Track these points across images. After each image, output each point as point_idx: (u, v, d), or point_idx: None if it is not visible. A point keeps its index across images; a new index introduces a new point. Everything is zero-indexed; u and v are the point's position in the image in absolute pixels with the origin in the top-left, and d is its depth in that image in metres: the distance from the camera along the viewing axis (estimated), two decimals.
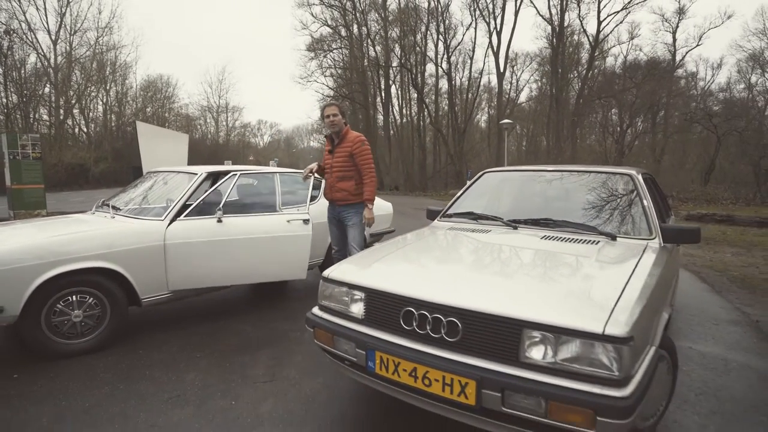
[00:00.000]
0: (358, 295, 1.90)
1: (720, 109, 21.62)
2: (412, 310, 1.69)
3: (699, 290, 4.58)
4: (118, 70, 31.54)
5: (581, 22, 26.30)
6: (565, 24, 26.46)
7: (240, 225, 3.37)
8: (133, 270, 2.91)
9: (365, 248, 3.25)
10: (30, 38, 25.84)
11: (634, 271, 1.81)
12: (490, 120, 33.53)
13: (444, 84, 30.24)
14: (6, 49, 23.84)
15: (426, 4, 28.80)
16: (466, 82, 30.52)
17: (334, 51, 31.02)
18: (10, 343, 3.03)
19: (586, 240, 2.25)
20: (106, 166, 26.50)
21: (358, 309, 1.90)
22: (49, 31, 27.20)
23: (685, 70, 27.73)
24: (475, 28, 30.68)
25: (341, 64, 31.76)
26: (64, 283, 2.68)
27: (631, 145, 23.59)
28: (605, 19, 25.68)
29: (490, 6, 27.52)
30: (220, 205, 3.31)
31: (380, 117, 32.12)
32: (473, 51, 30.62)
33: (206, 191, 3.45)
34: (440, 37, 29.10)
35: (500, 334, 1.52)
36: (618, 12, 25.38)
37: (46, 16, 38.26)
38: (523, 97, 33.82)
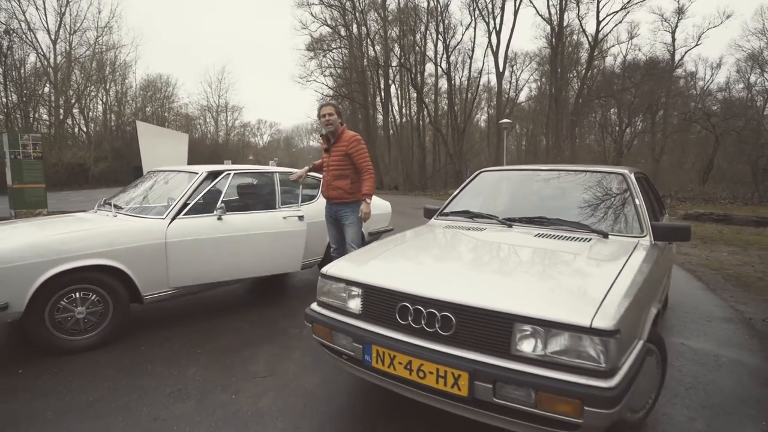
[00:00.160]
0: (356, 291, 1.95)
1: (719, 108, 21.69)
2: (408, 305, 1.74)
3: (694, 288, 4.63)
4: (117, 70, 31.61)
5: (580, 21, 26.41)
6: (565, 24, 26.55)
7: (239, 222, 3.46)
8: (135, 267, 2.96)
9: (363, 246, 3.30)
10: (30, 38, 25.92)
11: (623, 267, 1.86)
12: (489, 119, 33.60)
13: (443, 83, 30.34)
14: (6, 49, 23.89)
15: (425, 4, 28.91)
16: (466, 82, 30.60)
17: (334, 51, 31.11)
18: (14, 339, 3.09)
19: (578, 238, 2.30)
20: (105, 166, 26.55)
21: (355, 304, 1.95)
22: (48, 31, 27.28)
23: (685, 70, 27.86)
24: (475, 28, 30.77)
25: (341, 63, 31.83)
26: (68, 281, 2.73)
27: (630, 145, 23.66)
28: (604, 18, 25.80)
29: (490, 6, 27.62)
30: (219, 203, 3.38)
31: (380, 116, 32.20)
32: (473, 51, 30.75)
33: (205, 190, 3.50)
34: (439, 36, 29.20)
35: (492, 328, 1.57)
36: (617, 12, 25.51)
37: (45, 15, 38.24)
38: (522, 96, 33.95)
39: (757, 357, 2.82)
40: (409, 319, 1.74)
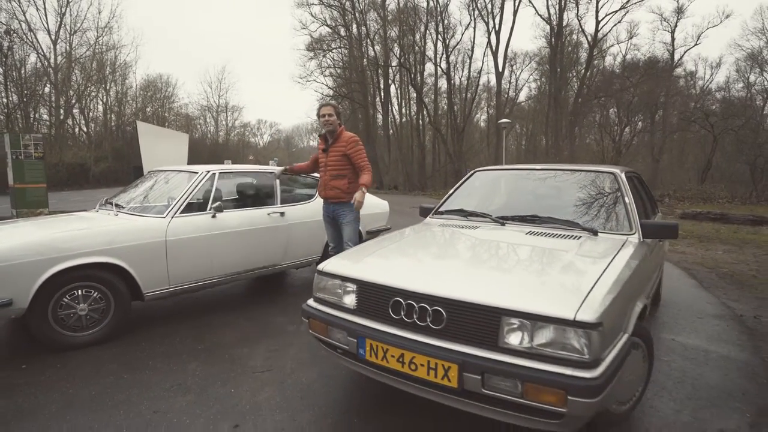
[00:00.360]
0: (351, 287, 2.01)
1: (718, 108, 21.75)
2: (400, 300, 1.80)
3: (688, 286, 4.68)
4: (117, 70, 31.62)
5: (579, 21, 26.45)
6: (564, 23, 26.58)
7: (230, 219, 3.60)
8: (136, 265, 3.02)
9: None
10: (30, 38, 25.95)
11: (610, 263, 1.92)
12: (489, 119, 33.62)
13: (443, 83, 30.37)
14: (6, 49, 23.91)
15: (425, 4, 28.94)
16: (465, 82, 30.63)
17: (334, 51, 31.14)
18: (18, 335, 3.15)
19: (569, 235, 2.36)
20: (106, 166, 26.60)
21: (350, 300, 2.01)
22: (48, 31, 27.33)
23: (684, 69, 27.89)
24: (474, 28, 30.83)
25: (340, 63, 31.87)
26: (70, 278, 2.79)
27: (629, 144, 23.70)
28: (603, 18, 25.84)
29: (489, 6, 27.65)
30: (212, 202, 3.50)
31: (380, 116, 32.24)
32: (472, 50, 30.80)
33: (203, 190, 3.57)
34: (439, 36, 29.22)
35: (481, 322, 1.63)
36: (616, 12, 25.54)
37: (45, 16, 38.39)
38: (522, 96, 33.95)
39: (745, 352, 2.88)
40: (402, 313, 1.79)
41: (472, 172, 3.39)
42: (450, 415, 2.06)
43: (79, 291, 2.84)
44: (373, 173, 3.59)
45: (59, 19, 27.34)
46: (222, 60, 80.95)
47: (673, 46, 26.72)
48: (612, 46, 28.91)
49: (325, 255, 4.24)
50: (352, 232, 3.51)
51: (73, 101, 28.88)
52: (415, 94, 30.22)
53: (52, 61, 27.36)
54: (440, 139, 30.60)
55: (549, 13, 26.73)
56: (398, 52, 29.51)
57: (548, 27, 27.17)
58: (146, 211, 3.39)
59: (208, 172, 3.66)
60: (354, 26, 29.80)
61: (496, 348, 1.60)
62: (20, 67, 25.39)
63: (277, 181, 4.09)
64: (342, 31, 30.23)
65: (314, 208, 4.14)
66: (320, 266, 2.19)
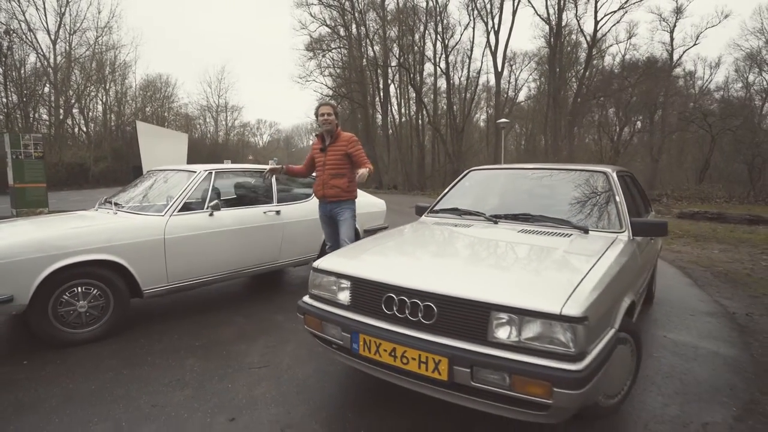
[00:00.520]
0: (345, 283, 2.06)
1: (716, 108, 21.80)
2: (393, 296, 1.85)
3: (682, 284, 4.73)
4: (117, 70, 31.65)
5: (578, 21, 26.52)
6: (563, 23, 26.63)
7: (226, 217, 3.65)
8: (135, 262, 3.07)
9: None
10: (29, 38, 25.96)
11: (598, 260, 1.97)
12: (488, 119, 33.65)
13: (442, 83, 30.42)
14: (6, 49, 23.94)
15: (424, 4, 28.99)
16: (465, 82, 30.68)
17: (333, 51, 31.21)
18: (19, 331, 3.19)
19: (560, 233, 2.40)
20: (105, 166, 26.63)
21: (344, 296, 2.05)
22: (48, 31, 27.34)
23: (684, 69, 27.94)
24: (473, 28, 30.97)
25: (340, 63, 31.94)
26: (70, 275, 2.83)
27: (627, 144, 23.75)
28: (602, 18, 25.89)
29: (488, 6, 27.70)
30: (209, 201, 3.55)
31: (379, 116, 32.28)
32: (471, 50, 30.96)
33: (201, 189, 3.62)
34: (438, 36, 29.27)
35: (471, 316, 1.68)
36: (615, 12, 25.59)
37: (45, 15, 38.34)
38: (521, 96, 33.99)
39: (735, 348, 2.92)
40: (394, 309, 1.84)
41: (466, 171, 3.44)
42: (443, 409, 2.10)
43: (79, 288, 2.88)
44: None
45: (59, 19, 27.40)
46: (222, 60, 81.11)
47: (672, 46, 26.79)
48: (611, 46, 28.97)
49: (323, 254, 4.29)
50: (349, 229, 3.55)
51: (73, 101, 28.91)
52: (414, 94, 30.27)
53: (51, 60, 27.40)
54: (439, 139, 30.66)
55: (548, 13, 26.81)
56: (397, 52, 29.58)
57: (547, 27, 27.25)
58: (145, 210, 3.44)
59: (206, 171, 3.71)
60: (353, 26, 29.87)
61: (485, 342, 1.64)
62: (20, 67, 25.42)
63: (274, 180, 4.13)
64: (341, 31, 30.29)
65: (311, 206, 4.18)
66: (315, 263, 2.24)
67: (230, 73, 78.73)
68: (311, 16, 30.41)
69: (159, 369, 2.58)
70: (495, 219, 2.68)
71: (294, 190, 4.42)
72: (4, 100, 24.63)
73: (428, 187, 28.05)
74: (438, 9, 28.61)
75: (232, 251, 3.65)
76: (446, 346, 1.68)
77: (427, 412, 2.10)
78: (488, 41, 28.26)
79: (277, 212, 4.02)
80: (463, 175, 3.40)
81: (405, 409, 2.13)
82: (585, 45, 27.05)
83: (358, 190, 3.89)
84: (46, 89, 27.29)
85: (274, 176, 4.08)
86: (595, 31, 25.95)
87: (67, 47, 27.96)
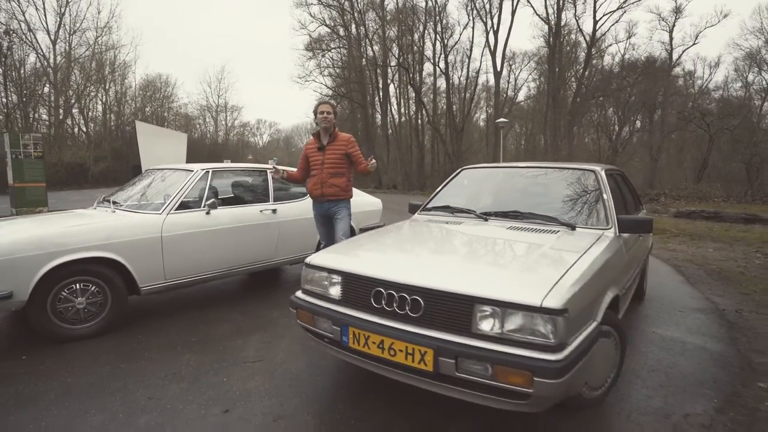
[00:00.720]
0: (336, 279, 2.11)
1: (715, 107, 21.84)
2: (382, 290, 1.90)
3: (675, 282, 4.78)
4: (117, 70, 31.70)
5: (577, 21, 26.53)
6: (562, 23, 26.66)
7: (223, 216, 3.70)
8: (132, 260, 3.12)
9: None
10: (29, 38, 26.03)
11: (582, 255, 2.02)
12: (488, 119, 33.68)
13: (442, 83, 30.45)
14: (6, 49, 24.00)
15: (423, 4, 28.99)
16: (464, 81, 30.72)
17: (333, 50, 31.24)
18: (18, 327, 3.24)
19: (547, 230, 2.46)
20: (105, 166, 26.67)
21: (335, 291, 2.10)
22: (48, 31, 27.41)
23: (683, 69, 27.97)
24: (473, 28, 30.98)
25: (339, 63, 31.97)
26: (68, 272, 2.88)
27: (625, 144, 23.79)
28: (601, 18, 25.91)
29: (487, 5, 27.72)
30: (206, 200, 3.60)
31: (378, 116, 32.31)
32: (471, 50, 31.02)
33: (198, 188, 3.67)
34: (438, 36, 29.29)
35: (456, 309, 1.73)
36: (614, 11, 25.61)
37: (45, 16, 38.49)
38: (521, 95, 34.00)
39: (721, 344, 2.97)
40: (383, 302, 1.89)
41: (459, 170, 3.49)
42: (432, 400, 2.15)
43: (78, 285, 2.94)
44: (372, 172, 3.67)
45: (59, 19, 27.46)
46: (221, 60, 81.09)
47: (671, 45, 26.82)
48: (610, 45, 28.92)
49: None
50: (345, 226, 3.58)
51: (73, 101, 28.97)
52: (413, 94, 30.30)
53: (51, 60, 27.46)
54: (439, 138, 30.68)
55: (547, 13, 26.82)
56: (397, 52, 29.61)
57: (546, 27, 27.26)
58: (143, 208, 3.50)
59: (203, 170, 3.76)
60: (353, 26, 29.91)
61: (469, 334, 1.70)
62: (19, 67, 25.49)
63: (270, 178, 4.19)
64: (341, 31, 30.34)
65: (307, 205, 4.22)
66: (308, 259, 2.29)
67: (230, 73, 78.83)
68: (311, 16, 30.52)
69: (156, 363, 2.64)
70: (485, 216, 2.74)
71: (290, 189, 4.47)
72: (4, 100, 24.72)
73: (428, 187, 28.07)
74: (437, 9, 28.65)
75: (228, 249, 3.70)
76: (432, 338, 1.73)
77: (416, 402, 2.15)
78: (487, 41, 28.31)
79: (274, 211, 4.07)
80: (455, 173, 3.45)
81: (394, 401, 2.19)
82: (584, 45, 27.09)
83: (355, 189, 3.95)
84: (46, 89, 27.38)
85: (270, 175, 4.15)
86: (594, 30, 25.99)
87: (67, 47, 28.04)
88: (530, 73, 34.50)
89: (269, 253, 4.05)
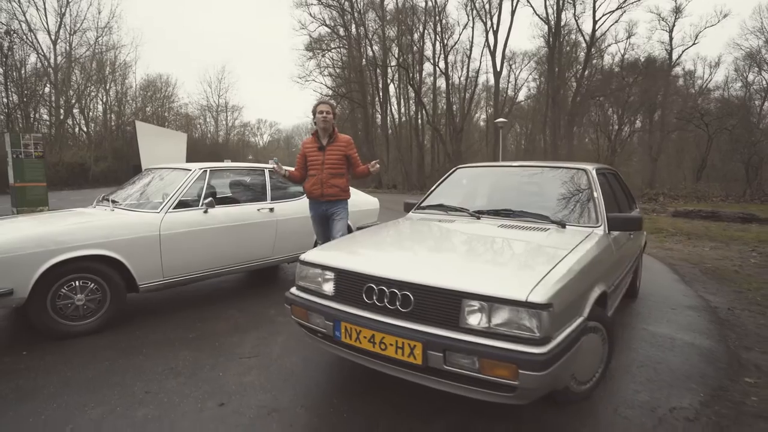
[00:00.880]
0: (329, 275, 2.15)
1: (714, 107, 21.86)
2: (373, 285, 1.95)
3: (669, 281, 4.82)
4: (117, 70, 31.73)
5: (577, 21, 26.56)
6: (562, 23, 26.69)
7: (220, 214, 3.75)
8: (130, 258, 3.17)
9: None
10: (30, 38, 26.06)
11: (569, 252, 2.06)
12: (488, 119, 33.70)
13: (442, 83, 30.48)
14: (6, 50, 24.06)
15: (423, 4, 29.04)
16: (464, 81, 30.75)
17: (333, 50, 31.29)
18: (19, 324, 3.29)
19: (538, 228, 2.50)
20: (106, 166, 26.72)
21: (329, 287, 2.15)
22: (48, 32, 27.43)
23: (683, 69, 27.98)
24: (472, 28, 30.99)
25: (339, 63, 32.01)
26: (68, 270, 2.93)
27: (624, 144, 23.82)
28: (601, 18, 25.93)
29: (487, 5, 27.75)
30: (203, 198, 3.65)
31: (378, 116, 32.35)
32: (470, 50, 31.03)
33: (193, 187, 3.71)
34: (437, 36, 29.33)
35: (444, 304, 1.77)
36: (613, 11, 25.63)
37: (45, 16, 38.53)
38: (521, 95, 34.03)
39: (711, 340, 3.02)
40: (374, 298, 1.93)
41: (453, 169, 3.54)
42: (424, 395, 2.19)
43: (77, 282, 2.98)
44: (373, 174, 3.70)
45: (59, 20, 27.50)
46: (222, 60, 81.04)
47: (671, 45, 26.83)
48: (610, 45, 28.87)
49: None
50: (343, 227, 3.59)
51: (73, 101, 29.02)
52: (413, 94, 30.33)
53: (52, 61, 27.50)
54: (439, 138, 30.72)
55: (547, 13, 26.86)
56: (397, 51, 29.65)
57: (546, 27, 27.30)
58: (141, 207, 3.55)
59: (201, 169, 3.81)
60: (353, 26, 29.94)
61: (457, 328, 1.74)
62: (20, 67, 25.53)
63: (268, 177, 4.24)
64: (341, 31, 30.38)
65: (304, 204, 4.25)
66: (302, 256, 2.34)
67: (230, 73, 78.74)
68: (311, 16, 30.63)
69: (153, 359, 2.68)
70: (478, 215, 2.78)
71: (288, 188, 4.51)
72: (5, 100, 24.76)
73: (428, 187, 28.06)
74: (437, 9, 28.69)
75: (226, 247, 3.75)
76: (421, 332, 1.77)
77: (408, 396, 2.20)
78: (487, 41, 28.35)
79: (271, 209, 4.12)
80: (450, 172, 3.50)
81: (387, 394, 2.23)
82: (584, 44, 27.12)
83: (351, 188, 3.98)
84: (47, 89, 27.43)
85: (267, 174, 4.20)
86: (594, 30, 26.02)
87: (68, 47, 28.08)
88: (530, 73, 34.60)
89: (266, 251, 4.10)
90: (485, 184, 3.33)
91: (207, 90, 63.15)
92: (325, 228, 3.68)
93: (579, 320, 1.87)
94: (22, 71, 25.80)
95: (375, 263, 2.09)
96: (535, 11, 27.43)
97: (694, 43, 28.15)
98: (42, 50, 27.01)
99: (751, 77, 25.06)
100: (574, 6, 26.13)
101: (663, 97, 24.52)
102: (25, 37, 25.61)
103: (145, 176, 4.19)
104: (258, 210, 4.04)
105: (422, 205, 3.22)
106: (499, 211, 2.77)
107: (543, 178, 3.07)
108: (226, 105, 43.80)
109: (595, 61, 27.34)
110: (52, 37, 27.43)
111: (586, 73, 26.77)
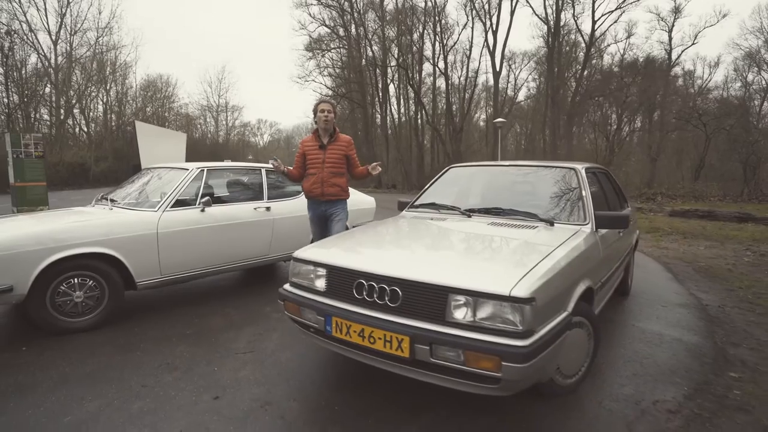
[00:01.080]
0: (321, 271, 2.21)
1: (713, 107, 21.89)
2: (363, 281, 2.00)
3: (662, 279, 4.86)
4: (118, 70, 31.80)
5: (576, 21, 26.55)
6: (561, 23, 26.71)
7: (217, 213, 3.80)
8: (129, 255, 3.22)
9: None
10: (30, 39, 26.15)
11: (555, 249, 2.11)
12: (488, 119, 33.74)
13: (441, 83, 30.52)
14: (7, 50, 24.14)
15: (422, 4, 29.07)
16: (464, 81, 30.79)
17: (332, 51, 31.32)
18: (19, 320, 3.35)
19: (526, 225, 2.55)
20: (106, 166, 26.78)
21: (321, 283, 2.20)
22: (49, 32, 27.51)
23: (683, 69, 28.00)
24: (472, 28, 31.10)
25: (339, 63, 32.06)
26: (67, 267, 2.98)
27: (622, 144, 23.85)
28: (600, 18, 25.95)
29: (486, 6, 27.79)
30: (200, 197, 3.70)
31: (378, 116, 32.39)
32: (470, 50, 30.98)
33: (190, 186, 3.77)
34: (437, 36, 29.36)
35: (431, 299, 1.83)
36: (612, 11, 25.64)
37: (46, 16, 38.63)
38: (521, 95, 34.07)
39: (698, 336, 3.07)
40: (364, 293, 1.99)
41: (446, 168, 3.59)
42: (416, 388, 2.25)
43: (76, 279, 3.04)
44: (373, 175, 3.71)
45: (59, 20, 27.57)
46: (222, 60, 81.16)
47: (670, 45, 26.82)
48: (609, 45, 28.91)
49: None
50: (342, 227, 3.57)
51: (74, 101, 29.09)
52: (413, 94, 30.37)
53: (52, 61, 27.57)
54: (439, 138, 30.77)
55: (546, 13, 26.86)
56: (396, 52, 29.69)
57: (545, 27, 27.32)
58: (139, 206, 3.60)
59: (198, 169, 3.87)
60: (352, 26, 29.98)
61: (443, 322, 1.79)
62: (21, 68, 25.61)
63: (264, 177, 4.29)
64: (340, 32, 30.43)
65: (300, 203, 4.32)
66: (295, 253, 2.39)
67: (230, 73, 78.82)
68: (310, 16, 30.71)
69: (150, 354, 2.74)
70: (469, 213, 2.83)
71: (285, 187, 4.57)
72: (6, 100, 24.84)
73: None
74: (436, 9, 28.73)
75: (223, 246, 3.80)
76: (409, 326, 1.83)
77: (398, 391, 2.25)
78: (486, 41, 28.37)
79: (267, 208, 4.17)
80: (443, 172, 3.55)
81: (378, 388, 2.28)
82: (583, 45, 27.14)
83: (349, 188, 4.02)
84: (47, 89, 27.50)
85: (264, 173, 4.25)
86: (593, 30, 26.03)
87: (68, 48, 28.16)
88: (530, 73, 34.66)
89: (263, 249, 4.15)
90: (477, 183, 3.38)
91: (207, 90, 63.30)
92: (323, 229, 3.63)
93: (563, 315, 1.92)
94: (23, 71, 25.90)
95: (365, 260, 2.15)
96: (534, 11, 27.44)
97: (693, 43, 28.22)
98: (42, 50, 27.11)
99: (750, 77, 25.12)
100: (573, 6, 26.15)
101: (662, 97, 24.54)
102: (25, 37, 25.71)
103: (144, 175, 4.24)
104: (255, 209, 4.09)
105: (415, 203, 3.27)
106: (490, 210, 2.83)
107: (533, 177, 3.12)
108: (227, 105, 43.91)
109: (594, 61, 27.36)
110: (53, 38, 27.53)
111: (586, 73, 26.79)
